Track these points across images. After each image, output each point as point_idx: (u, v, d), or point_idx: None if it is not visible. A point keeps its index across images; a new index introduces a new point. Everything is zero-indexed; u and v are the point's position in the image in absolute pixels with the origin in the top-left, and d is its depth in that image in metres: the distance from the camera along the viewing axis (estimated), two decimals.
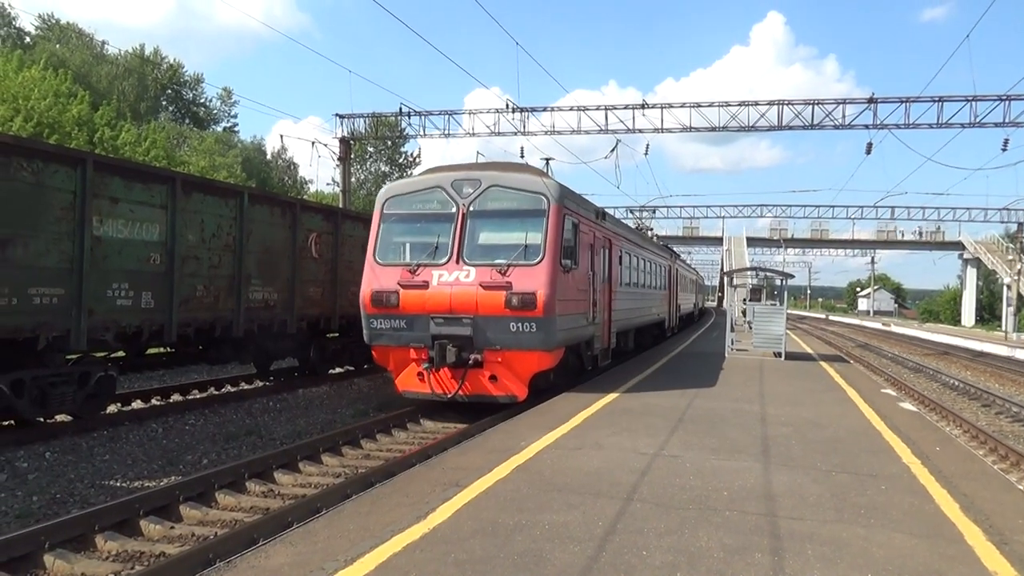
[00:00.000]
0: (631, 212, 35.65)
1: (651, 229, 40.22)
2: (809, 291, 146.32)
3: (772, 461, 8.49)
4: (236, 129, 79.97)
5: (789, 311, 24.59)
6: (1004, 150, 33.86)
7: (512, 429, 10.18)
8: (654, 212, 36.52)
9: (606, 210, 18.42)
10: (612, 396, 12.90)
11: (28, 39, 60.74)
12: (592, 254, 15.19)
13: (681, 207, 77.86)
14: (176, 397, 15.67)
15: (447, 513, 6.25)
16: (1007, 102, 32.32)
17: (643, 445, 9.09)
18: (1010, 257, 63.69)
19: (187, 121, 72.95)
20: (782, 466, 8.25)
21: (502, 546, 5.51)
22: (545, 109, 38.68)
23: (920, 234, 77.92)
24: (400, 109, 37.55)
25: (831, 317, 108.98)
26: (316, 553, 5.32)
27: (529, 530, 5.86)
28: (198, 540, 7.15)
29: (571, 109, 37.99)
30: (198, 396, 15.98)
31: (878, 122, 34.13)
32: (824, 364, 21.55)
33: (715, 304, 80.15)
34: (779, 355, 22.17)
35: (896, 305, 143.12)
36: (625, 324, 19.91)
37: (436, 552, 5.36)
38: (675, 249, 48.86)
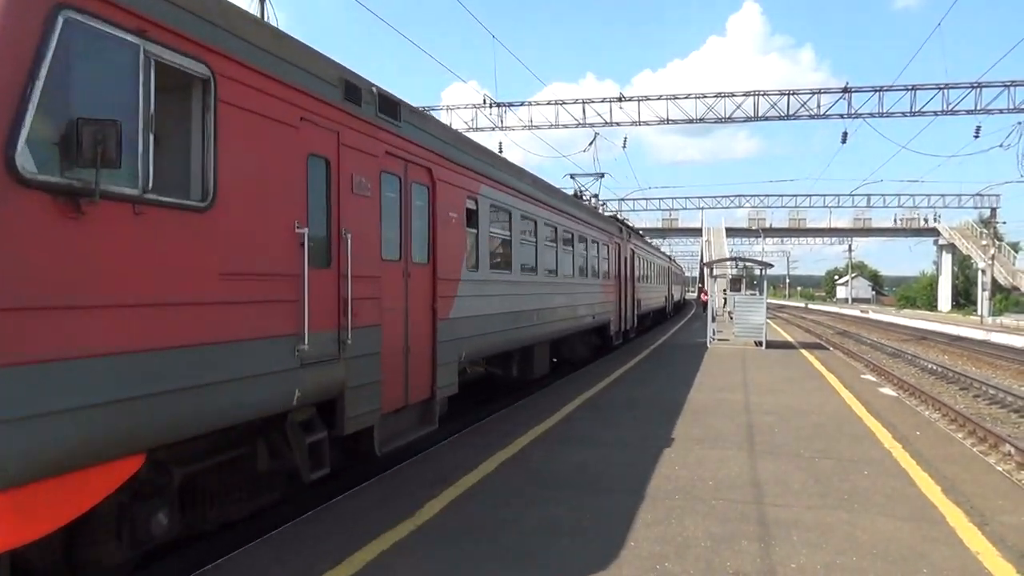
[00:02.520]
0: (572, 177, 26.32)
1: (596, 197, 27.11)
2: (788, 280, 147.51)
3: (756, 449, 8.57)
4: None
5: (769, 300, 24.59)
6: (976, 137, 34.43)
7: None
8: (601, 176, 27.44)
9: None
10: None
11: None
12: (330, 184, 6.63)
13: (660, 199, 78.21)
14: None
15: (436, 509, 6.25)
16: (978, 89, 32.80)
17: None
18: (984, 242, 64.56)
19: None
20: (766, 454, 8.32)
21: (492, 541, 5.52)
22: (523, 104, 38.76)
23: (896, 220, 78.81)
24: None
25: (810, 305, 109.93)
26: (305, 552, 5.29)
27: (518, 525, 5.87)
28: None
29: (549, 103, 38.09)
30: None
31: (853, 111, 34.53)
32: (805, 352, 21.76)
33: (696, 296, 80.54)
34: (760, 344, 22.37)
35: (874, 292, 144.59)
36: (497, 340, 11.06)
37: (425, 549, 5.35)
38: (653, 240, 48.58)
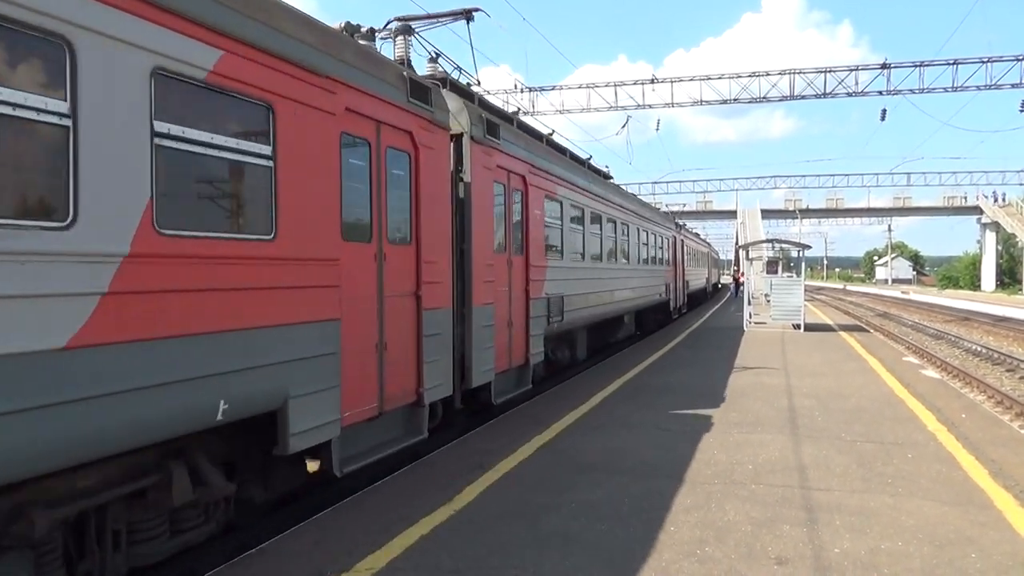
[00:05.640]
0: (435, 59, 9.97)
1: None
2: (826, 261, 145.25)
3: (796, 433, 8.46)
4: None
5: (806, 282, 24.12)
6: (1022, 111, 33.38)
7: None
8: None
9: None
10: None
11: None
12: None
13: (694, 181, 77.54)
14: None
15: (473, 494, 6.27)
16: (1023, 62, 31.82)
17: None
18: None
19: None
20: (807, 438, 8.21)
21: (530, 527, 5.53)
22: (554, 88, 38.56)
23: (945, 200, 77.03)
24: None
25: (849, 287, 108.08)
26: (344, 537, 5.35)
27: (556, 510, 5.87)
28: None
29: (580, 87, 37.88)
30: None
31: (892, 88, 33.78)
32: (844, 334, 21.41)
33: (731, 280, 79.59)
34: (798, 327, 22.07)
35: (914, 273, 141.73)
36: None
37: (464, 534, 5.38)
38: (687, 224, 47.37)
